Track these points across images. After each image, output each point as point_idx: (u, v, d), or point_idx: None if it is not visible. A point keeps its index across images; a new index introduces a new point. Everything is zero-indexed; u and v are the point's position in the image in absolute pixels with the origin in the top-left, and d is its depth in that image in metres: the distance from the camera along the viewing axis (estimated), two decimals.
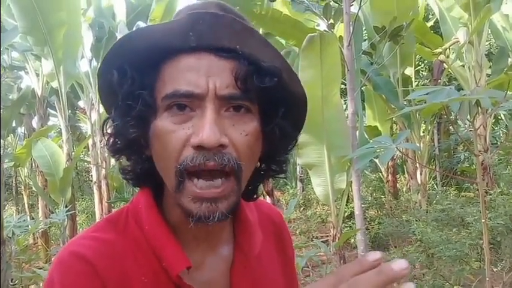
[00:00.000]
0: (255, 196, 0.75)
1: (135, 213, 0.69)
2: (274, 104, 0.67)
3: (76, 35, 6.04)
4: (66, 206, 5.77)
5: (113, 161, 9.43)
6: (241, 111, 0.63)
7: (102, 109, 7.53)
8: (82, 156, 9.64)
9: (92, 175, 7.48)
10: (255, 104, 0.65)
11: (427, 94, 1.83)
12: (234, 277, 0.72)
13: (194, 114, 0.62)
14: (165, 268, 0.65)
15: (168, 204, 0.70)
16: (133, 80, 0.64)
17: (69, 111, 7.65)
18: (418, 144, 5.51)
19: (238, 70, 0.62)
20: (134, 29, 0.58)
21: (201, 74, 0.61)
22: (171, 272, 0.64)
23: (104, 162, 6.87)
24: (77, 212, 7.80)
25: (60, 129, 6.86)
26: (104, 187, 6.83)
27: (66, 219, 5.74)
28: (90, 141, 6.95)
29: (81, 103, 8.16)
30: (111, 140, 0.69)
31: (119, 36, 5.79)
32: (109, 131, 0.69)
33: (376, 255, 0.48)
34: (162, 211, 0.70)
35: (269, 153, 0.71)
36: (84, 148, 8.05)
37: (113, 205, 7.21)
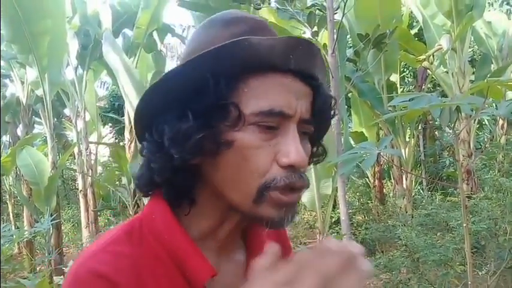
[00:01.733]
0: None
1: (150, 224, 0.68)
2: (323, 130, 0.76)
3: (61, 43, 6.01)
4: (51, 215, 5.70)
5: (99, 168, 9.37)
6: (305, 134, 0.69)
7: (87, 117, 7.50)
8: (68, 164, 9.55)
9: (78, 183, 7.40)
10: None
11: (409, 100, 1.87)
12: None
13: (278, 133, 0.65)
14: (189, 279, 0.65)
15: (200, 214, 0.69)
16: (227, 87, 0.63)
17: (55, 119, 7.59)
18: (403, 150, 5.56)
19: (317, 99, 0.69)
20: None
21: (292, 95, 0.65)
22: (197, 281, 0.65)
23: (90, 170, 6.82)
24: (62, 221, 7.72)
25: (46, 138, 6.80)
26: (89, 195, 6.77)
27: (51, 228, 5.67)
28: (76, 149, 6.89)
29: (67, 111, 8.10)
30: (178, 141, 0.64)
31: (104, 43, 5.76)
32: (180, 130, 0.64)
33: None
34: (182, 222, 0.69)
35: None
36: (70, 156, 7.98)
37: (99, 213, 7.15)
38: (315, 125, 0.70)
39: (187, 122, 0.63)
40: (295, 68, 0.65)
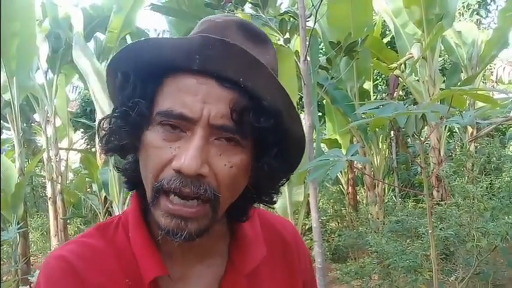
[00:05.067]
0: (244, 218, 0.74)
1: (125, 222, 0.72)
2: (267, 143, 0.66)
3: (31, 46, 5.86)
4: (18, 223, 5.54)
5: (70, 175, 9.16)
6: (231, 142, 0.63)
7: (58, 122, 7.32)
8: (38, 171, 9.31)
9: (47, 190, 7.21)
10: (247, 138, 0.64)
11: (376, 108, 1.87)
12: None
13: (184, 136, 0.62)
14: (142, 275, 0.66)
15: None
16: (134, 87, 0.65)
17: (24, 124, 7.40)
18: (375, 157, 5.61)
19: (237, 103, 0.62)
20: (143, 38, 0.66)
21: (198, 98, 0.61)
22: (145, 279, 0.66)
23: (59, 177, 6.65)
24: (30, 229, 7.50)
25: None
26: (59, 203, 6.59)
27: (18, 237, 5.50)
28: (45, 155, 6.71)
29: (36, 116, 7.90)
30: (105, 139, 0.69)
31: (74, 47, 5.65)
32: (105, 129, 0.69)
33: None
34: (149, 218, 0.70)
35: (257, 187, 0.71)
36: (39, 162, 7.78)
37: (68, 222, 6.98)
38: (256, 135, 0.64)
39: (115, 120, 0.68)
40: (200, 68, 0.62)
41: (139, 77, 0.65)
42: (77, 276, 0.65)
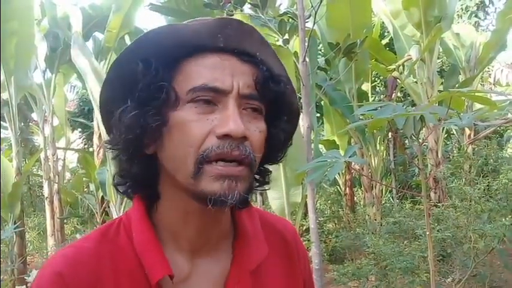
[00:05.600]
0: (247, 202, 0.75)
1: (127, 223, 0.72)
2: (281, 110, 0.74)
3: (29, 45, 5.85)
4: (15, 222, 5.52)
5: (67, 175, 9.14)
6: (255, 112, 0.69)
7: (55, 122, 7.31)
8: (35, 170, 9.28)
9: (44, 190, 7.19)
10: (265, 107, 0.71)
11: (374, 109, 1.87)
12: None
13: (217, 108, 0.66)
14: (147, 275, 0.66)
15: (165, 208, 0.71)
16: (157, 71, 0.67)
17: (22, 123, 7.38)
18: (373, 159, 5.62)
19: (258, 74, 0.69)
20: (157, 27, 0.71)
21: (226, 72, 0.67)
22: (151, 279, 0.66)
23: (56, 176, 6.63)
24: (27, 229, 7.48)
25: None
26: (56, 202, 6.58)
27: (14, 236, 5.48)
28: (42, 155, 6.69)
29: (34, 115, 7.89)
30: (123, 132, 0.68)
31: (73, 47, 5.64)
32: (124, 121, 0.67)
33: None
34: (153, 220, 0.72)
35: (263, 158, 0.73)
36: (37, 162, 7.76)
37: (65, 221, 6.96)
38: (266, 103, 0.70)
39: (125, 106, 0.68)
40: (225, 46, 0.68)
41: (160, 62, 0.68)
42: (64, 284, 0.65)
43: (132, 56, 0.68)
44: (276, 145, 0.75)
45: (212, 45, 0.68)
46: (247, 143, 0.65)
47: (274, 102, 0.72)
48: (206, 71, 0.67)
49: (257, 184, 0.76)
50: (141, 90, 0.67)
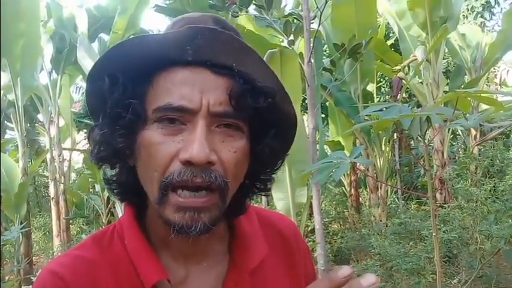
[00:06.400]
0: (242, 211, 0.74)
1: (120, 230, 0.70)
2: (266, 124, 0.67)
3: (35, 47, 5.88)
4: (21, 223, 5.55)
5: (73, 175, 9.18)
6: (231, 128, 0.63)
7: (61, 123, 7.35)
8: (41, 171, 9.32)
9: (50, 190, 7.23)
10: (246, 122, 0.65)
11: (380, 110, 1.87)
12: None
13: (185, 128, 0.61)
14: (142, 282, 0.65)
15: (152, 217, 0.69)
16: (124, 87, 0.63)
17: (28, 124, 7.41)
18: (378, 160, 5.60)
19: (233, 88, 0.62)
20: (129, 37, 0.65)
21: (195, 89, 0.61)
22: (146, 284, 0.64)
23: (62, 177, 6.66)
24: (33, 229, 7.52)
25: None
26: (62, 203, 6.61)
27: (20, 237, 5.51)
28: (48, 156, 6.73)
29: (40, 116, 7.93)
30: (96, 148, 0.67)
31: (79, 48, 5.67)
32: (96, 138, 0.67)
33: (346, 271, 0.48)
34: (145, 226, 0.70)
35: (255, 171, 0.71)
36: (43, 162, 7.80)
37: (71, 222, 6.99)
38: (246, 118, 0.65)
39: (98, 123, 0.66)
40: (195, 58, 0.62)
41: (128, 77, 0.64)
42: None
43: (100, 70, 0.64)
44: (263, 161, 0.70)
45: (180, 59, 0.62)
46: (215, 167, 0.61)
47: (256, 116, 0.65)
48: (174, 88, 0.62)
49: (257, 191, 0.74)
50: (110, 107, 0.64)
